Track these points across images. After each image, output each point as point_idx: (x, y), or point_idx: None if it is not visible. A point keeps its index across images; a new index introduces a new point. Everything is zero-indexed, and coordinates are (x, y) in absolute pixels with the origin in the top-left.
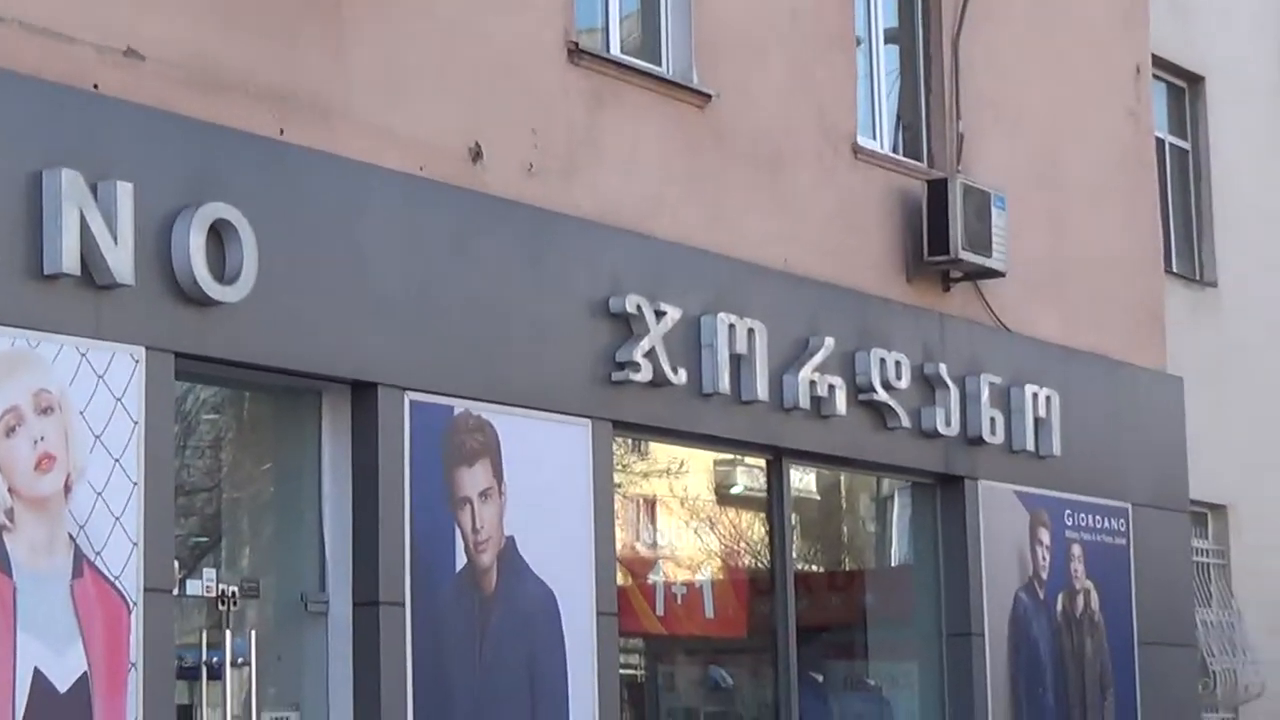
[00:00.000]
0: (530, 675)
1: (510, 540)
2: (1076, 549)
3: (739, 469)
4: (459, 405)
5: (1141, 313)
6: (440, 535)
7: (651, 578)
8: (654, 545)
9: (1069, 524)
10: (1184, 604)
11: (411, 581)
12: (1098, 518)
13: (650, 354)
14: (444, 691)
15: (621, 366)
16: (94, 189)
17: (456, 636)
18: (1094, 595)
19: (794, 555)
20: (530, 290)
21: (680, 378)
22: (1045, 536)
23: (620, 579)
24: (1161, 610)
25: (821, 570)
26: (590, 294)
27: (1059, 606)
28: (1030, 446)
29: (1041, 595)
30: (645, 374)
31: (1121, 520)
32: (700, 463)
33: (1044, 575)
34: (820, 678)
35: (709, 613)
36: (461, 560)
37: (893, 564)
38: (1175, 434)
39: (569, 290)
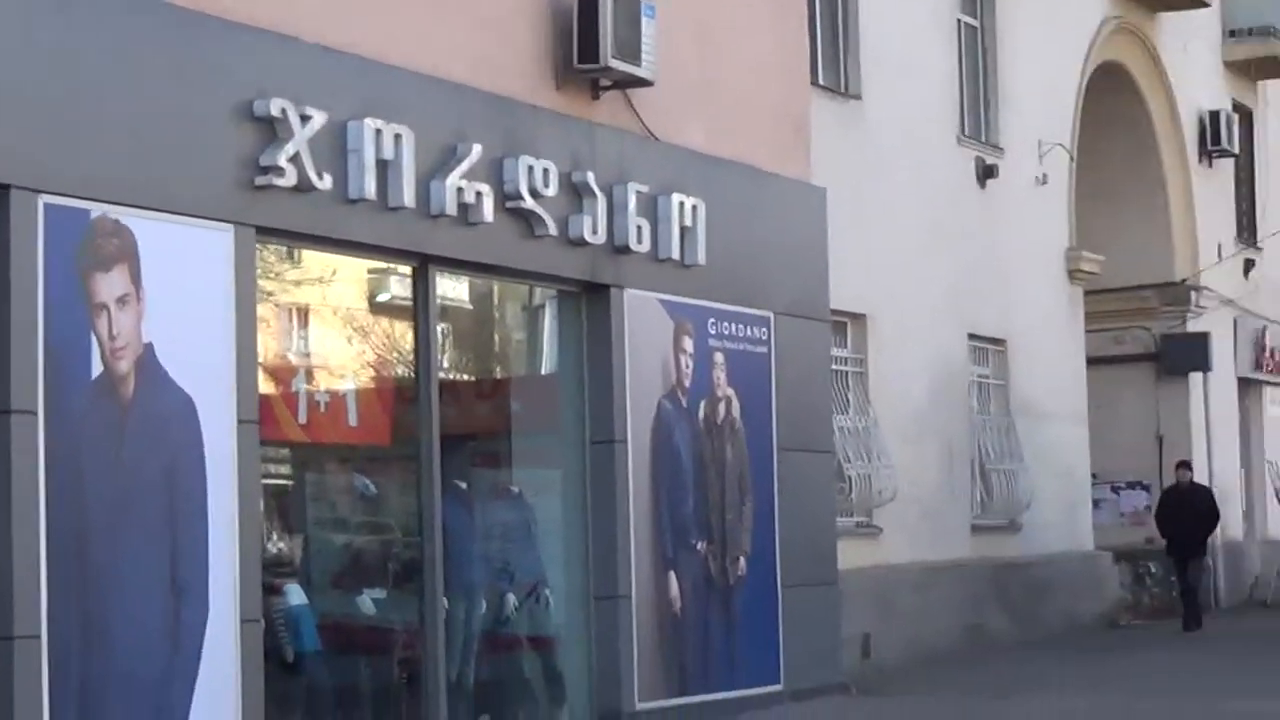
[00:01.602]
0: (169, 483)
1: (149, 347)
2: (719, 357)
3: (392, 278)
4: (96, 209)
5: (787, 123)
6: (76, 342)
7: (295, 385)
8: (305, 354)
9: (712, 332)
10: (823, 411)
11: (45, 389)
12: (740, 326)
13: (295, 159)
14: (79, 500)
15: (265, 171)
16: None
17: (92, 445)
18: (735, 403)
19: (440, 363)
20: (172, 92)
21: (325, 183)
22: (689, 345)
23: (264, 387)
24: (801, 417)
25: (470, 379)
26: (233, 97)
27: (701, 414)
28: (676, 255)
29: (684, 403)
30: (289, 179)
31: (763, 329)
32: (353, 271)
33: (687, 383)
34: (465, 485)
35: (352, 421)
36: (98, 367)
37: (541, 373)
38: (817, 244)
39: (211, 93)
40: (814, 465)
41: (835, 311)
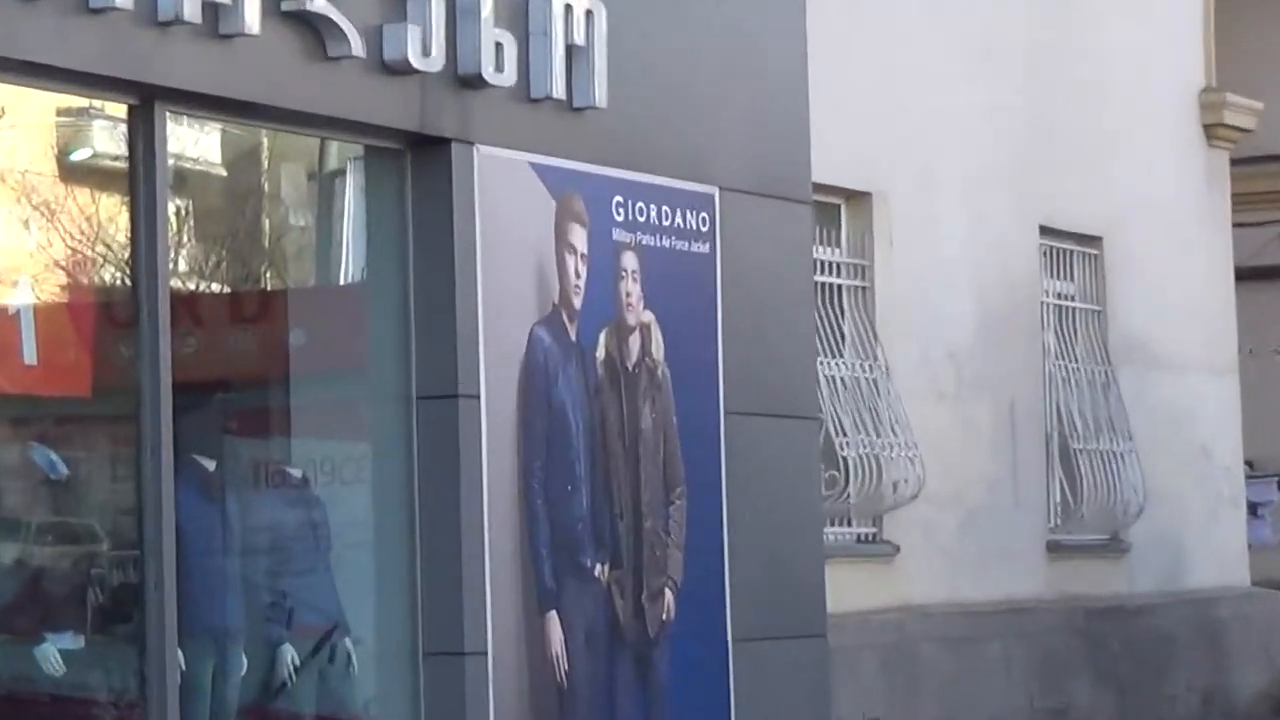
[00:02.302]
0: None
1: None
2: (630, 259)
3: (96, 124)
4: None
5: None
6: None
7: None
8: None
9: (619, 218)
10: (801, 352)
11: None
12: (667, 211)
13: None
14: None
15: None
16: None
17: None
18: (657, 335)
19: (173, 264)
20: None
21: None
22: (580, 238)
23: None
24: (765, 361)
25: (222, 290)
26: None
27: (601, 353)
28: (558, 93)
29: (573, 334)
30: None
31: (704, 214)
32: (33, 113)
33: (577, 302)
34: (212, 465)
35: (29, 357)
36: None
37: (339, 281)
38: (792, 81)
39: None
40: (786, 440)
41: (820, 188)
